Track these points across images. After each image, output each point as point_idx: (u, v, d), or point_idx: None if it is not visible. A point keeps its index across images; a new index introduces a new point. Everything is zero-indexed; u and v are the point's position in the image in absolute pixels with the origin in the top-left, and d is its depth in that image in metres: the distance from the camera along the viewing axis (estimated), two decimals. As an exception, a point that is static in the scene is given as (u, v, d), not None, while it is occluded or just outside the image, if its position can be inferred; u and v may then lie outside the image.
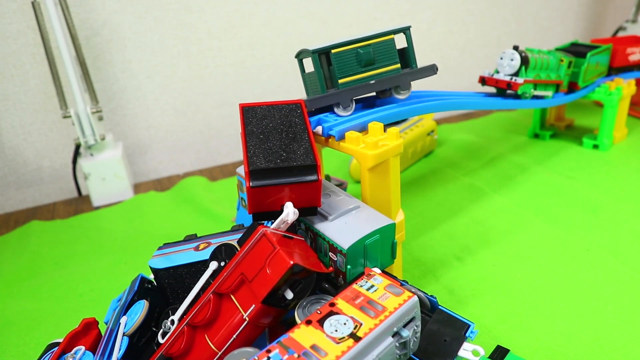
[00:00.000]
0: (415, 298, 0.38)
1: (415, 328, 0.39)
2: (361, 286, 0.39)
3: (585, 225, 0.73)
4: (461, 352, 0.41)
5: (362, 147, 0.52)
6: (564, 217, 0.75)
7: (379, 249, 0.48)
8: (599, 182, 0.86)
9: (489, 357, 0.43)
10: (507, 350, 0.43)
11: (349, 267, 0.45)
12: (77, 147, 0.97)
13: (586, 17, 1.55)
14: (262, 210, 0.47)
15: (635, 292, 0.58)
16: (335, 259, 0.46)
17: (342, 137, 0.54)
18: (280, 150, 0.47)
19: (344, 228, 0.47)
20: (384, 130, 0.54)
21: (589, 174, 0.90)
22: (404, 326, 0.37)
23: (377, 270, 0.44)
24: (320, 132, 0.56)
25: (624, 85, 0.98)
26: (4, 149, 0.98)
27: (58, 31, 0.86)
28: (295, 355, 0.33)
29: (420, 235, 0.74)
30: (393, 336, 0.36)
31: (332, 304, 0.37)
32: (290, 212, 0.46)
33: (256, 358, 0.33)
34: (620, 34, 1.36)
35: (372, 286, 0.39)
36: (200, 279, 0.45)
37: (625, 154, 0.97)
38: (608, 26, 1.57)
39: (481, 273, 0.64)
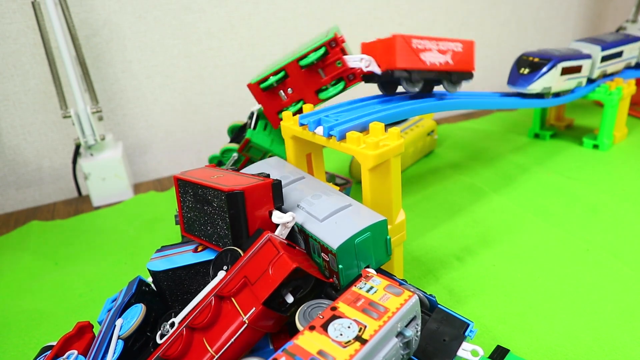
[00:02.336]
0: (416, 297, 0.38)
1: (417, 327, 0.39)
2: (360, 288, 0.39)
3: (585, 225, 0.73)
4: (460, 352, 0.41)
5: (363, 148, 0.51)
6: (564, 217, 0.75)
7: (371, 247, 0.48)
8: (599, 182, 0.86)
9: (489, 357, 0.43)
10: (507, 350, 0.43)
11: (340, 266, 0.45)
12: (77, 147, 0.97)
13: (586, 17, 1.55)
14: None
15: (635, 292, 0.58)
16: (328, 259, 0.46)
17: (343, 137, 0.54)
18: (204, 222, 0.50)
19: (333, 228, 0.47)
20: (385, 131, 0.54)
21: (589, 174, 0.90)
22: (406, 326, 0.37)
23: (372, 271, 0.44)
24: (321, 132, 0.56)
25: (624, 85, 0.98)
26: (4, 149, 0.98)
27: (58, 31, 0.86)
28: None
29: (420, 236, 0.74)
30: (396, 336, 0.36)
31: (334, 308, 0.37)
32: (283, 216, 0.46)
33: None
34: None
35: (371, 288, 0.39)
36: (207, 286, 0.44)
37: (625, 153, 0.97)
38: (608, 26, 1.57)
39: (481, 273, 0.64)
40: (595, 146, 1.00)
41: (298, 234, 0.50)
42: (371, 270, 0.45)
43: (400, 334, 0.36)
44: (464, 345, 0.42)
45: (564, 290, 0.59)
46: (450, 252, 0.69)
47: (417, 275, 0.64)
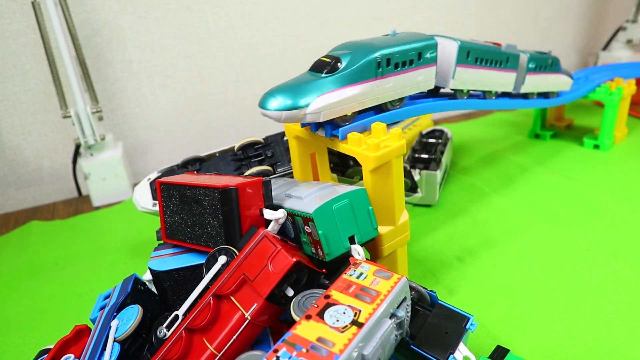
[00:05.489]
0: (405, 279, 0.40)
1: (407, 308, 0.40)
2: (350, 275, 0.41)
3: (585, 225, 0.73)
4: (455, 354, 0.42)
5: (363, 149, 0.51)
6: (564, 217, 0.75)
7: (351, 215, 0.48)
8: (599, 182, 0.86)
9: (489, 357, 0.43)
10: (507, 350, 0.43)
11: (320, 232, 0.45)
12: (77, 147, 0.97)
13: (586, 17, 1.55)
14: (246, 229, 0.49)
15: (635, 292, 0.58)
16: (310, 231, 0.46)
17: (345, 138, 0.54)
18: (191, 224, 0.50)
19: (313, 199, 0.48)
20: (387, 131, 0.54)
21: (590, 174, 0.90)
22: (397, 307, 0.39)
23: (359, 252, 0.46)
24: (323, 132, 0.56)
25: (625, 85, 0.98)
26: (4, 149, 0.98)
27: (58, 31, 0.86)
28: (304, 350, 0.33)
29: (421, 236, 0.74)
30: (390, 318, 0.37)
31: (327, 296, 0.38)
32: (275, 213, 0.47)
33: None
34: (620, 34, 1.36)
35: (361, 274, 0.41)
36: (199, 285, 0.45)
37: (625, 153, 0.97)
38: (608, 26, 1.57)
39: (481, 273, 0.64)
40: (596, 146, 1.00)
41: (290, 224, 0.50)
42: (357, 257, 0.46)
43: (393, 315, 0.38)
44: (460, 346, 0.42)
45: (564, 290, 0.59)
46: (450, 252, 0.69)
47: (418, 275, 0.64)
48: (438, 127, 0.99)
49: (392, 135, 0.53)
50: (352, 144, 0.52)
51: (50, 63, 0.89)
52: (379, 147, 0.51)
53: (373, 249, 0.54)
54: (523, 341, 0.52)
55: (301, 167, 0.64)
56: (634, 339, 0.51)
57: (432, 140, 0.92)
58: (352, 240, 0.48)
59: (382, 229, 0.53)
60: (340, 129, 0.54)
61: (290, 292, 0.42)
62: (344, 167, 0.83)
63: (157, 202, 0.67)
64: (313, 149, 0.65)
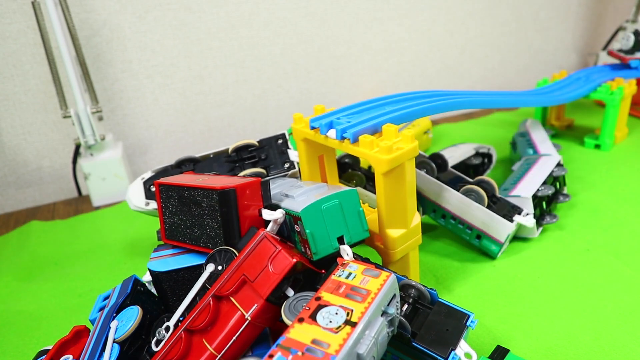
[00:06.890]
0: (394, 276, 0.40)
1: (397, 304, 0.40)
2: (339, 276, 0.41)
3: (585, 225, 0.73)
4: (457, 351, 0.42)
5: (376, 152, 0.50)
6: (564, 217, 0.75)
7: (340, 215, 0.48)
8: (600, 182, 0.86)
9: (489, 357, 0.43)
10: (507, 350, 0.43)
11: (308, 231, 0.45)
12: (77, 147, 0.97)
13: (586, 17, 1.55)
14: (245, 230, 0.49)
15: (635, 292, 0.58)
16: (299, 229, 0.47)
17: (357, 140, 0.52)
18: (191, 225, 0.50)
19: (304, 199, 0.48)
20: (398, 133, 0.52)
21: (590, 173, 0.90)
22: (388, 304, 0.39)
23: (347, 252, 0.46)
24: (334, 135, 0.54)
25: (625, 85, 0.98)
26: (4, 149, 0.98)
27: (58, 31, 0.86)
28: (299, 353, 0.33)
29: (420, 235, 0.74)
30: (381, 315, 0.38)
31: (318, 298, 0.38)
32: (274, 214, 0.47)
33: None
34: (620, 34, 1.35)
35: (349, 274, 0.41)
36: (195, 285, 0.45)
37: (626, 153, 0.97)
38: (608, 26, 1.57)
39: (481, 273, 0.64)
40: (597, 146, 1.00)
41: (284, 224, 0.50)
42: (346, 257, 0.46)
43: (384, 313, 0.38)
44: (462, 343, 0.42)
45: (564, 290, 0.59)
46: (450, 252, 0.69)
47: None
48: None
49: (404, 137, 0.51)
50: (364, 147, 0.51)
51: (50, 63, 0.89)
52: (391, 149, 0.49)
53: (385, 252, 0.54)
54: (523, 341, 0.52)
55: (309, 170, 0.64)
56: (634, 339, 0.51)
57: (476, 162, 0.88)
58: (341, 241, 0.48)
59: (395, 232, 0.52)
60: (350, 131, 0.52)
61: (290, 292, 0.42)
62: (340, 171, 0.82)
63: (149, 201, 0.68)
64: (321, 151, 0.64)
